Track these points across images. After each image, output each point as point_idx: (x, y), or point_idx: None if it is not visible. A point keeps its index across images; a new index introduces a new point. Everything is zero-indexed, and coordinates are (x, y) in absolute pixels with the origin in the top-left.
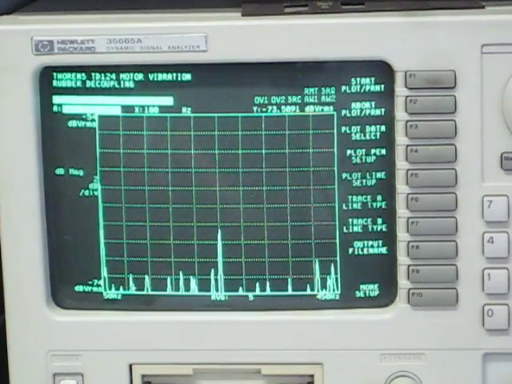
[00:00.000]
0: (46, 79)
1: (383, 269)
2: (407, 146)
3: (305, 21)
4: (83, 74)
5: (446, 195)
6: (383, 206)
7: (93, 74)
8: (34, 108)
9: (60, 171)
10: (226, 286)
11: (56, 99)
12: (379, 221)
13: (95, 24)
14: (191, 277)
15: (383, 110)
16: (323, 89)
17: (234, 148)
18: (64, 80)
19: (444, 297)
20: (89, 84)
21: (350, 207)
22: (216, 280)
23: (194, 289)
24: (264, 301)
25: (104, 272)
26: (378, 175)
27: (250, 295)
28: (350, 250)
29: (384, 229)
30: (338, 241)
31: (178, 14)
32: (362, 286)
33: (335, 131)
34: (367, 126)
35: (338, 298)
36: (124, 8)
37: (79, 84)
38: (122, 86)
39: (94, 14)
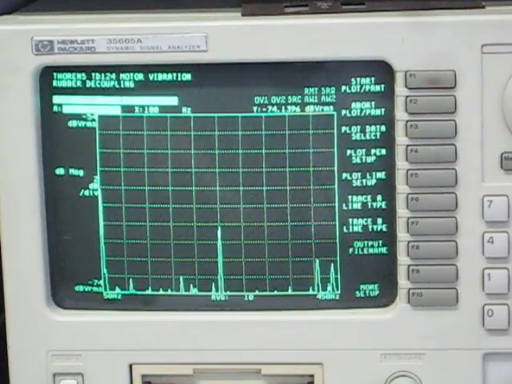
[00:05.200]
0: (46, 79)
1: (383, 269)
2: (407, 146)
3: (305, 21)
4: (83, 74)
5: (446, 195)
6: (383, 206)
7: (93, 73)
8: (34, 108)
9: (60, 171)
10: (226, 285)
11: (56, 99)
12: (379, 221)
13: (95, 24)
14: (191, 277)
15: (383, 110)
16: (323, 89)
17: (234, 148)
18: (64, 80)
19: (444, 297)
20: (89, 84)
21: (350, 207)
22: (216, 280)
23: (194, 289)
24: (264, 301)
25: (104, 272)
26: (378, 175)
27: (250, 295)
28: (350, 250)
29: (384, 229)
30: (337, 241)
31: (178, 13)
32: (362, 286)
33: (335, 131)
34: (367, 126)
35: (338, 297)
36: (124, 8)
37: (79, 84)
38: (122, 86)
39: (94, 14)
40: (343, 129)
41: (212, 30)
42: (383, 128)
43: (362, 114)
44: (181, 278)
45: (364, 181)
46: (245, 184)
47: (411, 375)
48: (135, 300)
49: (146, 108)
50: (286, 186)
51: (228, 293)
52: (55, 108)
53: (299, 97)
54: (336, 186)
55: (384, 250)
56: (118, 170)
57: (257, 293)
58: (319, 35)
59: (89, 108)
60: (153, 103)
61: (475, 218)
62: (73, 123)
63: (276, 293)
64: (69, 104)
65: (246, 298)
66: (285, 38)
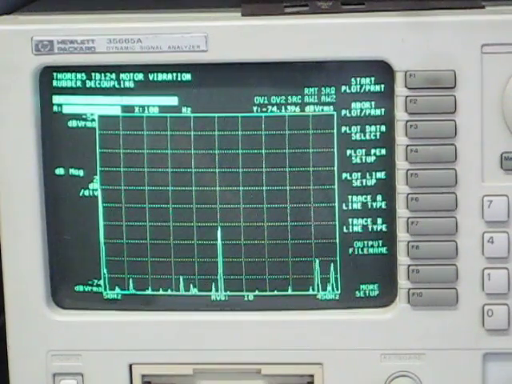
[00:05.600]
0: (46, 79)
1: (383, 269)
2: (407, 146)
3: (305, 21)
4: (83, 74)
5: (445, 195)
6: (383, 206)
7: (93, 74)
8: (34, 108)
9: (60, 171)
10: (226, 285)
11: (56, 99)
12: (379, 221)
13: (95, 24)
14: (191, 277)
15: (383, 110)
16: (323, 89)
17: (234, 148)
18: (64, 80)
19: (444, 297)
20: (89, 84)
21: (350, 207)
22: (216, 280)
23: (194, 289)
24: (264, 301)
25: (104, 272)
26: (378, 175)
27: (250, 295)
28: (350, 250)
29: (384, 229)
30: (337, 241)
31: (178, 13)
32: (362, 286)
33: (335, 131)
34: (367, 126)
35: (337, 297)
36: (124, 8)
37: (79, 84)
38: (121, 86)
39: (94, 14)
40: (343, 129)
41: (212, 29)
42: (383, 128)
43: (362, 114)
44: (181, 278)
45: (364, 181)
46: (245, 184)
47: (411, 375)
48: (135, 300)
49: (145, 108)
50: (286, 186)
51: (228, 293)
52: (55, 108)
53: (299, 97)
54: (336, 186)
55: (384, 250)
56: (118, 170)
57: (257, 293)
58: (319, 35)
59: (89, 108)
60: (153, 103)
61: (475, 217)
62: (73, 123)
63: (276, 293)
64: (69, 104)
65: (245, 298)
66: (285, 38)
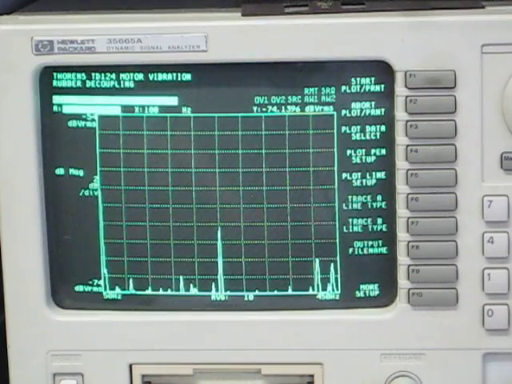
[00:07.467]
0: (45, 79)
1: (383, 269)
2: (407, 145)
3: (305, 21)
4: (83, 74)
5: (446, 195)
6: (383, 206)
7: (93, 74)
8: (34, 108)
9: (60, 171)
10: (226, 285)
11: (56, 99)
12: (379, 221)
13: (95, 24)
14: (191, 277)
15: (383, 110)
16: (323, 89)
17: (234, 148)
18: (64, 80)
19: (444, 297)
20: (89, 84)
21: (350, 207)
22: (216, 280)
23: (194, 289)
24: (264, 301)
25: (104, 272)
26: (378, 175)
27: (250, 295)
28: (350, 250)
29: (384, 229)
30: (337, 241)
31: (178, 13)
32: (362, 286)
33: (335, 131)
34: (367, 126)
35: (337, 297)
36: (124, 8)
37: (79, 84)
38: (122, 86)
39: (94, 14)
40: (343, 129)
41: (212, 29)
42: (383, 128)
43: (362, 114)
44: (181, 278)
45: (364, 181)
46: (245, 184)
47: (411, 375)
48: (135, 300)
49: (145, 108)
50: (286, 186)
51: (228, 293)
52: (55, 108)
53: (299, 97)
54: (336, 186)
55: (384, 250)
56: (118, 170)
57: (257, 293)
58: (319, 35)
59: (89, 108)
60: (153, 103)
61: (475, 217)
62: (73, 123)
63: (276, 293)
64: (69, 104)
65: (246, 298)
66: (285, 38)
